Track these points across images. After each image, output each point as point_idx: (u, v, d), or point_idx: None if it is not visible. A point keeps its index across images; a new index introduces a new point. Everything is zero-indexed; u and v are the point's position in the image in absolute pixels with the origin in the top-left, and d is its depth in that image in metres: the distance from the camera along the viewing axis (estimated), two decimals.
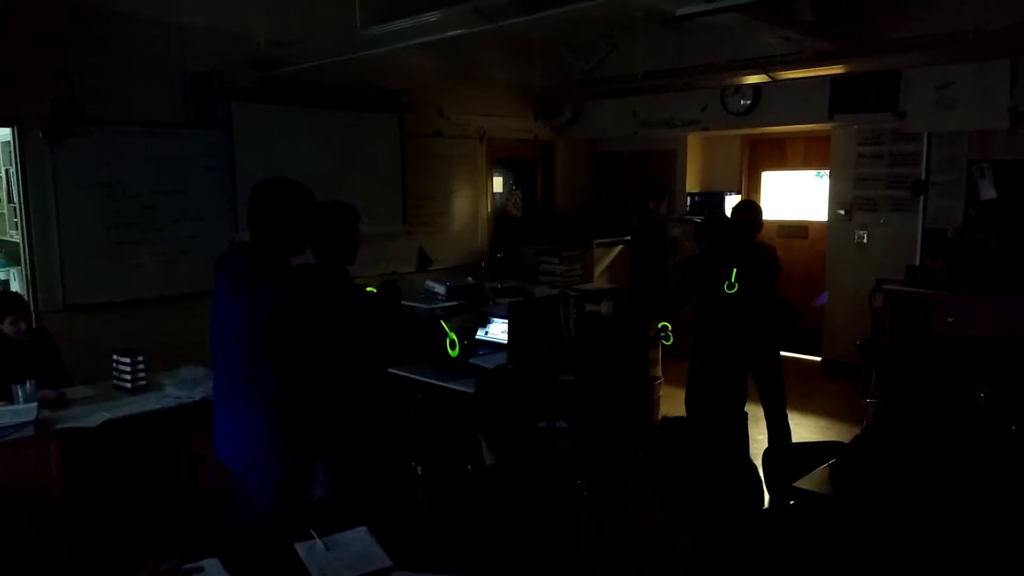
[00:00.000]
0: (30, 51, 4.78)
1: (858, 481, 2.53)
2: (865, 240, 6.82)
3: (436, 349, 4.41)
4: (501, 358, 4.28)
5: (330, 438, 2.96)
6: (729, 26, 4.99)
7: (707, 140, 8.10)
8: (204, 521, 3.73)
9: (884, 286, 6.33)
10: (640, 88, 6.97)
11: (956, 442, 2.47)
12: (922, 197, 6.41)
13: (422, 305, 5.29)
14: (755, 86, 6.77)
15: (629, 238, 7.93)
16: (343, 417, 3.11)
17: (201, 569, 2.07)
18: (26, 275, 4.96)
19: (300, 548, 2.23)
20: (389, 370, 4.54)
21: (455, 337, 3.75)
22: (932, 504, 2.29)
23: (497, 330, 4.66)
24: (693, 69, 6.63)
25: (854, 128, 6.69)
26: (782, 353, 4.77)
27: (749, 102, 6.98)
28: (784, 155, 7.91)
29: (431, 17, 4.30)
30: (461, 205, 7.48)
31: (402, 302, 3.36)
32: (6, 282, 5.73)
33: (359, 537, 2.31)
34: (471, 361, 4.35)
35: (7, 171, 5.45)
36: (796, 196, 7.90)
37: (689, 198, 7.93)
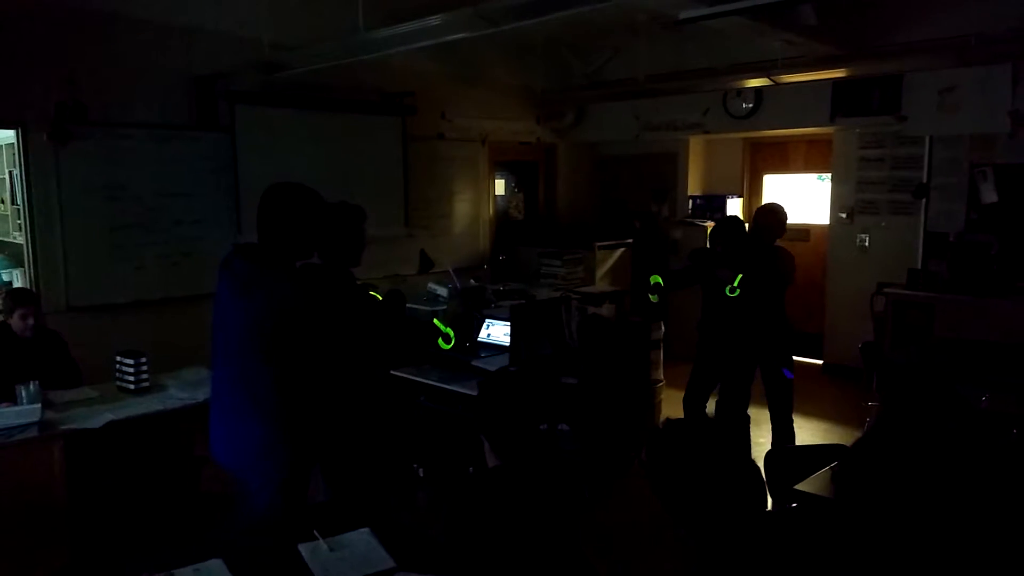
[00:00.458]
0: (35, 54, 4.80)
1: (860, 484, 2.53)
2: (867, 243, 6.82)
3: (434, 349, 4.40)
4: (503, 360, 4.29)
5: (327, 442, 2.98)
6: (731, 29, 5.00)
7: (709, 143, 8.10)
8: (207, 522, 3.73)
9: (886, 289, 6.33)
10: (642, 91, 6.98)
11: (958, 446, 2.47)
12: (924, 200, 6.42)
13: (424, 307, 5.30)
14: (757, 89, 6.78)
15: (631, 241, 7.93)
16: (340, 420, 3.11)
17: None
18: (29, 276, 4.97)
19: (303, 549, 2.24)
20: (391, 372, 4.56)
21: (450, 331, 3.75)
22: (934, 508, 2.30)
23: (499, 332, 4.67)
24: (695, 72, 6.64)
25: (856, 131, 6.70)
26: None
27: (751, 105, 6.99)
28: (786, 158, 7.92)
29: (434, 21, 4.31)
30: (463, 208, 7.50)
31: (406, 305, 3.38)
32: (9, 283, 5.75)
33: (362, 538, 2.32)
34: (473, 363, 4.36)
35: (11, 173, 5.47)
36: (798, 199, 7.89)
37: (691, 201, 7.94)
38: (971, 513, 2.30)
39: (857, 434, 4.45)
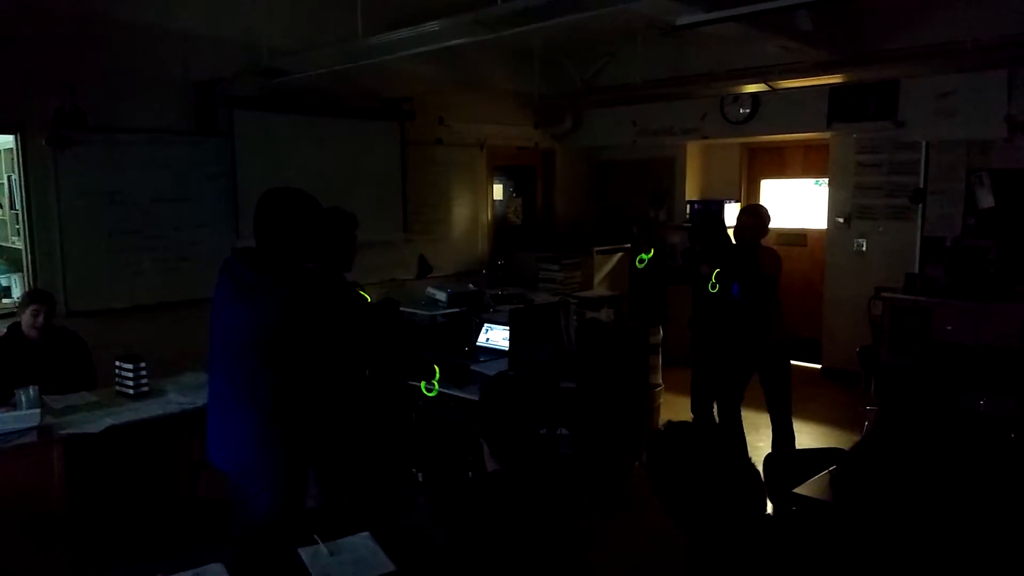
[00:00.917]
0: (33, 59, 4.80)
1: (858, 488, 2.54)
2: (864, 248, 6.84)
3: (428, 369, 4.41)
4: (502, 365, 4.30)
5: (322, 446, 2.98)
6: (728, 36, 5.03)
7: (706, 148, 8.13)
8: (206, 527, 3.73)
9: (883, 294, 6.35)
10: (640, 96, 7.01)
11: (955, 450, 2.48)
12: (921, 205, 6.44)
13: (423, 312, 5.31)
14: (754, 95, 6.81)
15: (629, 246, 7.95)
16: (334, 425, 3.12)
17: None
18: (28, 281, 4.97)
19: (304, 553, 2.25)
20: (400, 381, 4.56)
21: (436, 383, 3.78)
22: (931, 512, 2.30)
23: (498, 337, 4.68)
24: (692, 78, 6.68)
25: (853, 137, 6.72)
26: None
27: (748, 111, 7.02)
28: (783, 163, 7.95)
29: (432, 26, 4.33)
30: (461, 212, 7.51)
31: (402, 309, 3.38)
32: (8, 288, 5.74)
33: (362, 542, 2.33)
34: (472, 368, 4.36)
35: (10, 178, 5.46)
36: (795, 204, 7.92)
37: (688, 206, 7.95)
38: (969, 517, 2.31)
39: (855, 438, 4.47)
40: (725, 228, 4.80)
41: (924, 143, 6.36)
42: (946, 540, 2.26)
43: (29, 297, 4.16)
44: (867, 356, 5.13)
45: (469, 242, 7.61)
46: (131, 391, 3.90)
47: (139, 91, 5.26)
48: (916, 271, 6.42)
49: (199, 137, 5.56)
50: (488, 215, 7.81)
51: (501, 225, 8.10)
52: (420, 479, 4.63)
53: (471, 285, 6.12)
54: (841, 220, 6.95)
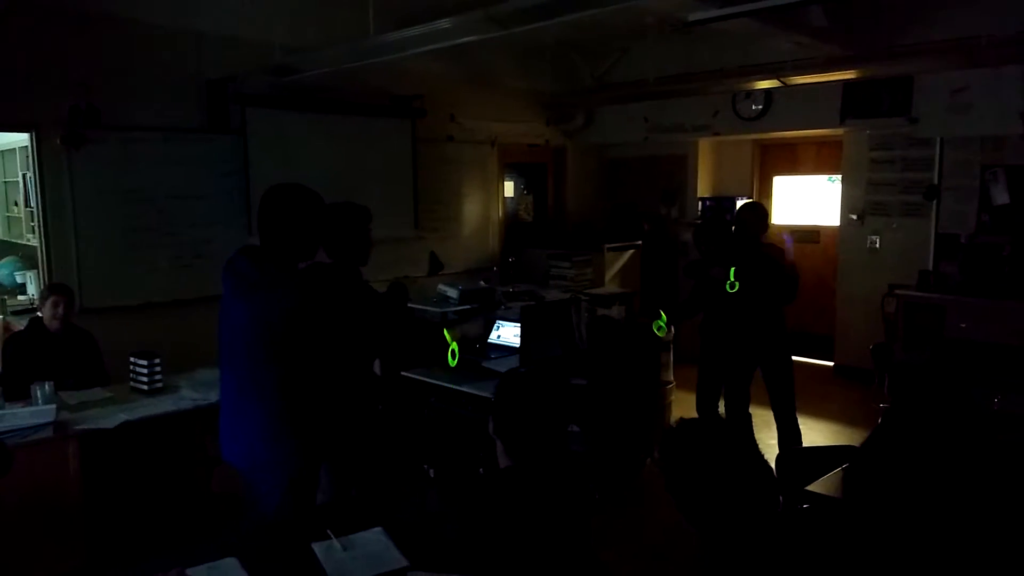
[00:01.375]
0: (48, 58, 4.84)
1: (869, 485, 2.53)
2: (878, 245, 6.80)
3: (443, 355, 4.43)
4: (513, 362, 4.30)
5: (333, 441, 2.99)
6: (741, 31, 5.00)
7: (718, 145, 8.10)
8: (220, 522, 3.76)
9: (897, 291, 6.32)
10: (651, 93, 6.98)
11: (968, 448, 2.47)
12: (935, 202, 6.40)
13: (434, 309, 5.31)
14: (766, 91, 6.77)
15: (640, 243, 7.94)
16: (346, 419, 3.13)
17: None
18: (43, 278, 5.01)
19: (317, 548, 2.26)
20: (402, 373, 4.58)
21: (455, 347, 3.76)
22: (943, 509, 2.29)
23: (509, 334, 4.68)
24: (704, 74, 6.65)
25: (866, 133, 6.68)
26: (794, 357, 4.78)
27: (760, 107, 6.99)
28: (796, 160, 7.91)
29: (444, 24, 4.32)
30: (472, 210, 7.52)
31: (412, 305, 3.37)
32: (23, 285, 5.80)
33: (375, 538, 2.34)
34: (483, 364, 4.37)
35: (25, 176, 5.52)
36: (808, 201, 7.89)
37: (700, 203, 7.93)
38: (980, 515, 2.30)
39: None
40: (729, 226, 4.74)
41: (938, 139, 6.32)
42: (958, 539, 2.25)
43: (49, 290, 4.23)
44: (880, 354, 5.10)
45: (480, 239, 7.61)
46: (145, 387, 3.93)
47: (153, 89, 5.29)
48: (930, 268, 6.38)
49: (212, 135, 5.59)
50: (499, 212, 7.82)
51: (512, 222, 8.11)
52: (431, 475, 4.64)
53: (482, 282, 6.11)
54: (854, 217, 6.91)
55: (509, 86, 7.54)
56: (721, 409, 4.85)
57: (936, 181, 6.38)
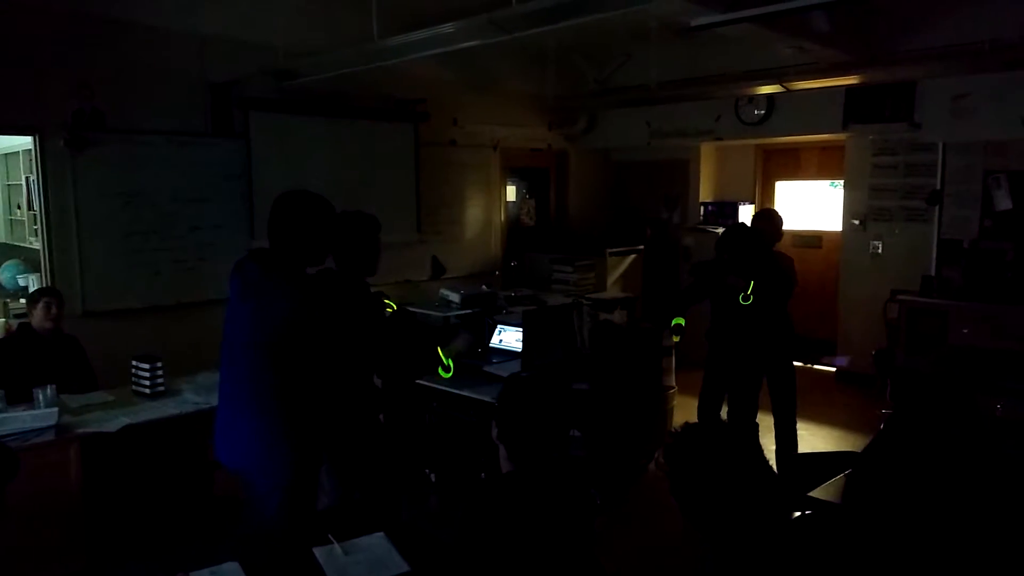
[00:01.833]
0: (52, 61, 4.86)
1: (871, 492, 2.52)
2: (880, 250, 6.79)
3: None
4: (515, 366, 4.30)
5: (333, 446, 2.99)
6: (744, 37, 5.00)
7: (721, 150, 8.10)
8: (221, 526, 3.76)
9: (899, 296, 6.30)
10: (654, 98, 6.99)
11: (970, 454, 2.46)
12: (937, 207, 6.39)
13: (436, 313, 5.32)
14: (769, 96, 6.77)
15: (642, 247, 7.94)
16: (346, 425, 3.13)
17: None
18: (46, 281, 5.02)
19: (318, 552, 2.26)
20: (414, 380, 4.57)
21: (450, 363, 3.75)
22: (945, 516, 2.29)
23: (511, 338, 4.68)
24: (707, 79, 6.65)
25: (869, 138, 6.68)
26: (799, 363, 4.77)
27: (763, 112, 6.99)
28: (798, 165, 7.90)
29: (447, 28, 4.34)
30: (475, 214, 7.52)
31: (416, 310, 3.37)
32: (25, 288, 5.81)
33: (377, 542, 2.34)
34: (485, 369, 4.36)
35: (28, 179, 5.53)
36: (810, 206, 7.88)
37: (702, 208, 7.93)
38: (982, 522, 2.29)
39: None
40: (755, 239, 4.59)
41: (941, 144, 6.31)
42: (959, 545, 2.24)
43: (39, 292, 4.24)
44: (883, 359, 5.10)
45: (482, 243, 7.62)
46: (147, 390, 3.93)
47: (156, 93, 5.31)
48: (932, 273, 6.36)
49: (215, 138, 5.60)
50: (501, 216, 7.82)
51: (514, 226, 8.11)
52: (433, 480, 4.64)
53: (484, 286, 6.12)
54: (857, 222, 6.91)
55: (512, 90, 7.55)
56: (723, 415, 4.84)
57: (939, 186, 6.38)
